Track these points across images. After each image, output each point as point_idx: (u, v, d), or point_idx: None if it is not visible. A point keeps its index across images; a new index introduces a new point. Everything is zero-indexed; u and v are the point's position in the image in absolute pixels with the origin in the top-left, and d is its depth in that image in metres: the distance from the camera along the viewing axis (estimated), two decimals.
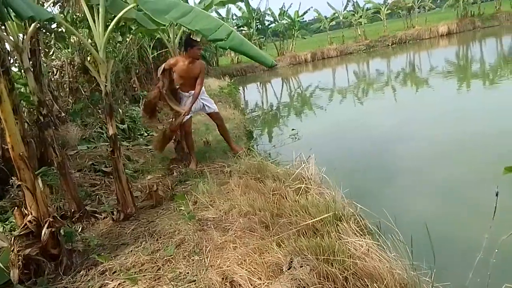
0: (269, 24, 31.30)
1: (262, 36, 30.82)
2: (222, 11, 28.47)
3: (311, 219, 3.51)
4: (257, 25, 30.11)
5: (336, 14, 32.36)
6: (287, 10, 30.53)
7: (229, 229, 3.71)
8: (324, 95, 15.15)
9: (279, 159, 6.37)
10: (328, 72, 24.22)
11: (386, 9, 31.56)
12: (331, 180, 4.50)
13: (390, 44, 29.45)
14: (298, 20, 30.79)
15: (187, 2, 5.77)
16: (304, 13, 31.18)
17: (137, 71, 12.44)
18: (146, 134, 8.20)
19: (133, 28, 6.00)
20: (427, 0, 32.11)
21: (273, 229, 3.51)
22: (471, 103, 9.60)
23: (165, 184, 5.14)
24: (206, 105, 6.12)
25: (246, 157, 5.57)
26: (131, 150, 6.93)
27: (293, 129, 8.29)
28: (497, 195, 1.68)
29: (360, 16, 30.98)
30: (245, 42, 4.07)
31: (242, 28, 29.19)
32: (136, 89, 11.63)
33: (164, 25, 4.43)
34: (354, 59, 27.03)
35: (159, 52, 14.04)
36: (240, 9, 27.86)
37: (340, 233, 3.32)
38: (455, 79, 13.77)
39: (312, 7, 32.01)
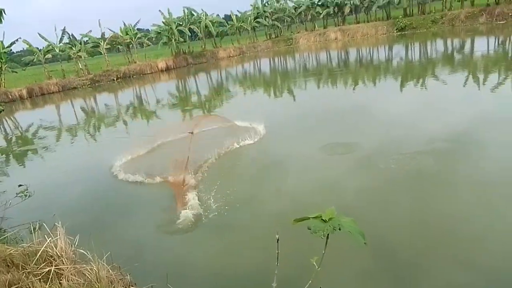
0: None
1: None
2: None
3: None
4: None
5: (51, 46, 30.00)
6: None
7: None
8: (50, 135, 13.57)
9: (9, 233, 4.96)
10: (51, 109, 21.98)
11: (105, 43, 31.85)
12: (89, 251, 3.43)
13: (115, 79, 29.82)
14: (5, 52, 26.71)
15: None
16: (12, 43, 27.38)
17: None
18: None
19: None
20: (143, 38, 34.72)
21: None
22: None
23: None
24: None
25: None
26: None
27: (20, 185, 6.64)
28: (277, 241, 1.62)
29: (79, 50, 29.95)
30: None
31: None
32: None
33: None
34: (80, 94, 25.73)
35: None
36: None
37: None
38: (179, 110, 15.38)
39: (20, 38, 28.12)
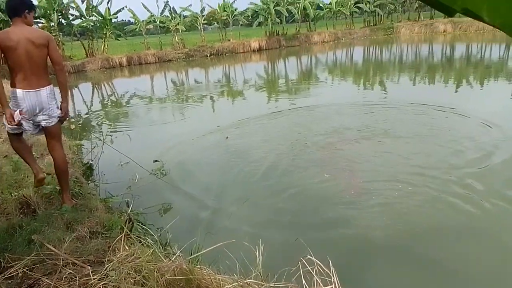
0: (73, 19, 28.44)
1: (64, 33, 28.21)
2: None
3: None
4: (59, 18, 27.20)
5: (153, 18, 32.37)
6: (96, 6, 28.34)
7: None
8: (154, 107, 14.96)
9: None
10: (147, 79, 24.05)
11: (202, 18, 33.44)
12: None
13: (208, 55, 31.34)
14: (111, 19, 29.42)
15: None
16: (118, 11, 29.90)
17: None
18: None
19: None
20: (239, 16, 35.68)
21: None
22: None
23: None
24: (49, 114, 3.93)
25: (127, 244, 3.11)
26: None
27: (155, 161, 6.43)
28: None
29: (178, 23, 31.86)
30: None
31: (39, 20, 25.77)
32: None
33: None
34: (174, 67, 27.61)
35: None
36: None
37: None
38: (265, 93, 15.80)
39: (126, 6, 30.63)
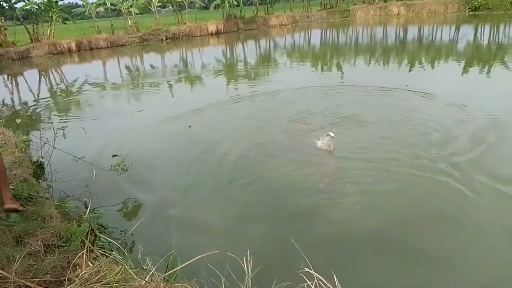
0: (16, 2, 26.47)
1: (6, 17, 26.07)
2: None
3: None
4: (0, 1, 25.12)
5: (104, 0, 30.71)
6: None
7: None
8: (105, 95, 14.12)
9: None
10: (98, 65, 22.81)
11: (157, 1, 32.07)
12: None
13: (164, 39, 30.21)
14: (57, 1, 27.49)
15: None
16: None
17: None
18: None
19: None
20: None
21: None
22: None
23: None
24: None
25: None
26: None
27: (115, 155, 5.87)
28: None
29: (131, 5, 30.40)
30: None
31: None
32: None
33: None
34: (127, 52, 26.40)
35: None
36: None
37: None
38: (224, 77, 15.40)
39: None
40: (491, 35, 20.95)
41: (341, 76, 13.41)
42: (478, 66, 13.37)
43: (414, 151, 6.28)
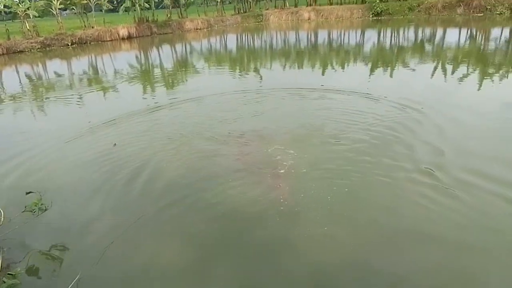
0: None
1: None
2: None
3: None
4: None
5: None
6: None
7: None
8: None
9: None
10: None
11: (58, 2, 29.79)
12: None
13: (69, 44, 28.15)
14: None
15: None
16: None
17: None
18: None
19: None
20: (103, 0, 32.75)
21: None
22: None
23: None
24: None
25: None
26: None
27: (28, 192, 4.90)
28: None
29: (28, 7, 27.83)
30: None
31: None
32: None
33: None
34: (27, 59, 24.09)
35: None
36: None
37: None
38: (139, 84, 14.73)
39: None
40: (392, 37, 22.92)
41: (259, 80, 13.59)
42: (383, 65, 14.51)
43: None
